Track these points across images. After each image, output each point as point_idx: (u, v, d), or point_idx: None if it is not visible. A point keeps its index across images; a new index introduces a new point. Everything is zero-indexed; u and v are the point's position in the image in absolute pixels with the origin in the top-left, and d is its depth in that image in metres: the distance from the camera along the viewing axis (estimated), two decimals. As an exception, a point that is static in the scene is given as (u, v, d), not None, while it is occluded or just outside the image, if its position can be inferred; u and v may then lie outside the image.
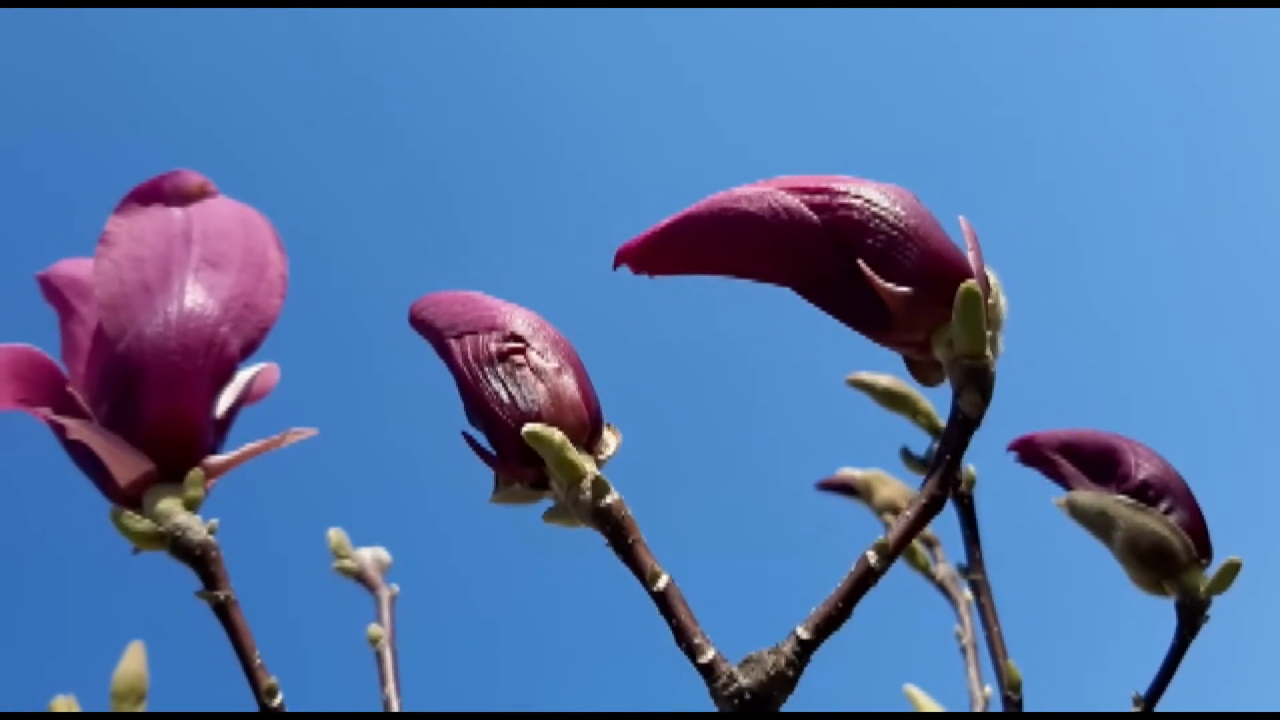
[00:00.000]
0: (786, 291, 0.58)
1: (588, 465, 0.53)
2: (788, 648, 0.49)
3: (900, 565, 1.18)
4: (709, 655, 0.49)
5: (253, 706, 0.63)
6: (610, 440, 0.55)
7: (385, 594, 0.92)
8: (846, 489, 1.23)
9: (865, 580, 0.50)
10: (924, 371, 0.56)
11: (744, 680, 0.48)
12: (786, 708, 0.50)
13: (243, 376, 0.69)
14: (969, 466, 0.96)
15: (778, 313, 0.58)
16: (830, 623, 0.50)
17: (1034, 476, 0.88)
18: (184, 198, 0.69)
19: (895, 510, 1.18)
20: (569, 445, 0.52)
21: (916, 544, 1.16)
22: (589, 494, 0.52)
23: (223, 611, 0.62)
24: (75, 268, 0.71)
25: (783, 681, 0.48)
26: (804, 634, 0.49)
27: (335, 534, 0.96)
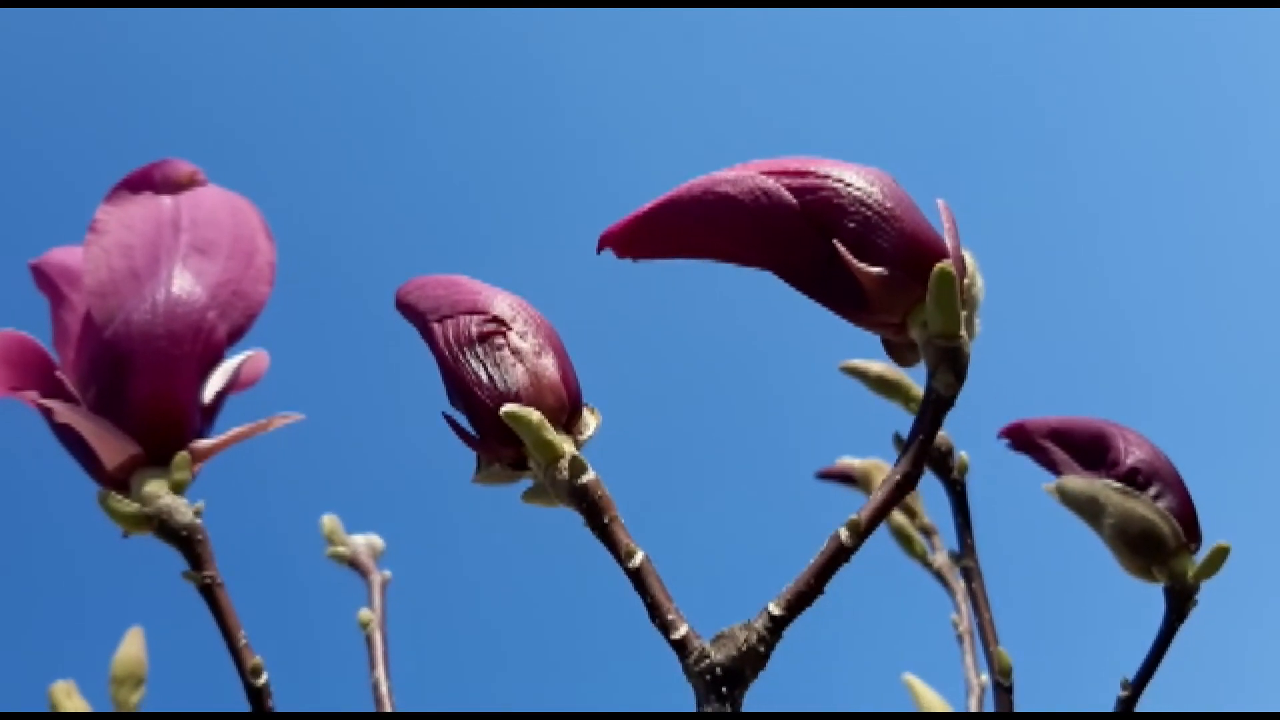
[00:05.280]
0: (776, 276, 0.58)
1: (565, 445, 0.53)
2: (760, 624, 0.49)
3: (898, 553, 1.18)
4: (681, 631, 0.50)
5: (239, 686, 0.63)
6: (590, 421, 0.56)
7: (377, 579, 0.93)
8: (845, 478, 1.23)
9: (837, 557, 0.51)
10: (900, 352, 0.56)
11: (716, 655, 0.49)
12: (771, 688, 0.51)
13: (231, 363, 0.69)
14: (962, 453, 0.96)
15: (771, 297, 0.58)
16: (802, 599, 0.50)
17: (1025, 462, 0.88)
18: (174, 186, 0.70)
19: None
20: (547, 425, 0.53)
21: (914, 532, 1.16)
22: (566, 473, 0.52)
23: (208, 592, 0.63)
24: (67, 256, 0.71)
25: (754, 657, 0.49)
26: (776, 610, 0.50)
27: (329, 520, 0.97)
